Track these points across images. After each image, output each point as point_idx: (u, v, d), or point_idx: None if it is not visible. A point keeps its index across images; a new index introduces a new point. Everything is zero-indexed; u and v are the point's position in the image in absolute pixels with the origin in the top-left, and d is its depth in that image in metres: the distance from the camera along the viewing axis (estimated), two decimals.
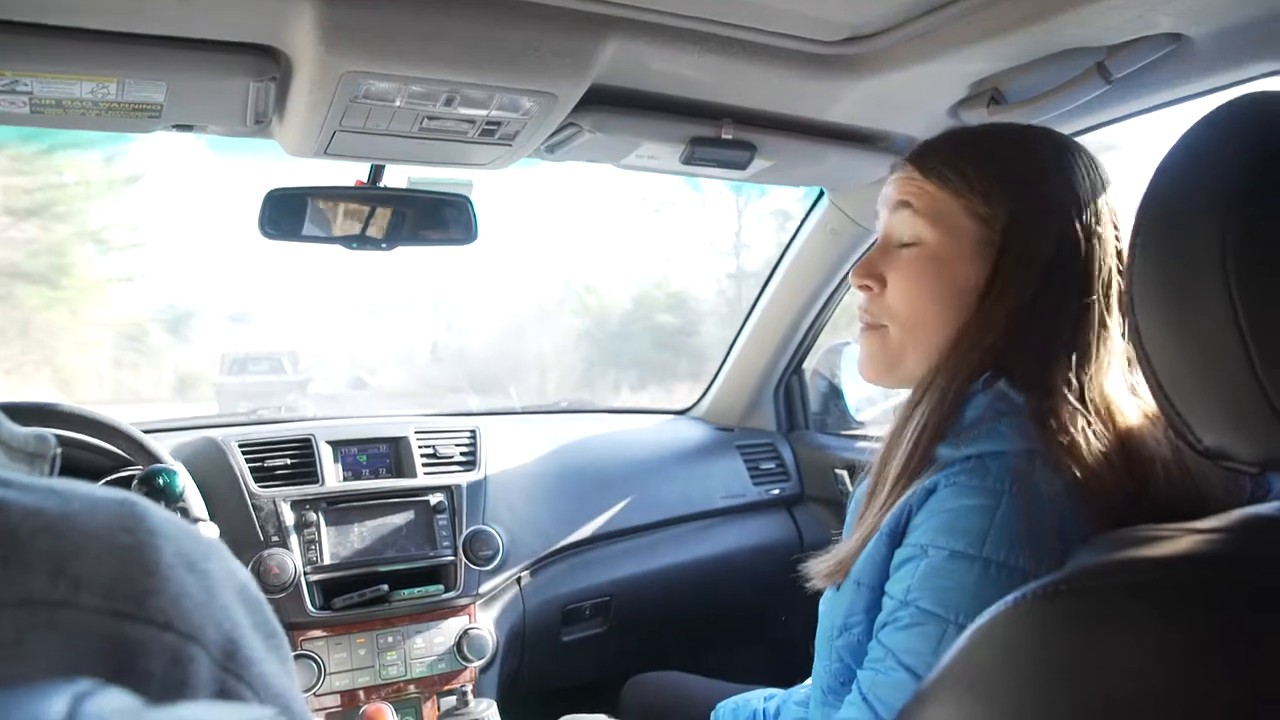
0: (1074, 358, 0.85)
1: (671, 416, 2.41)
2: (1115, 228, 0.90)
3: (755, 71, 1.20)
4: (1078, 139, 1.23)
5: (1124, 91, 1.16)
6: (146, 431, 1.54)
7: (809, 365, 2.26)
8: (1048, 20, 1.03)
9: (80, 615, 0.37)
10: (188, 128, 1.22)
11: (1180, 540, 0.60)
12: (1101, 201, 0.90)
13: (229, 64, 1.05)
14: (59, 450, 0.50)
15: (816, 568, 0.95)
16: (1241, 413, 0.57)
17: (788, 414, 2.30)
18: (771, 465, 2.19)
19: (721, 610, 2.05)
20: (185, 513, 1.45)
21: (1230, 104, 0.62)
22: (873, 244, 1.01)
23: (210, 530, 1.47)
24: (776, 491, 2.16)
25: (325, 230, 1.52)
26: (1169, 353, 0.61)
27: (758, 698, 1.25)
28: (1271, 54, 1.03)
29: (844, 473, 2.06)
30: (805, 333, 2.12)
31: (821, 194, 1.83)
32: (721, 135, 1.34)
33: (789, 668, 1.59)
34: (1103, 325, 0.87)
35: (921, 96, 1.29)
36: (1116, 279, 0.88)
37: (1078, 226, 0.88)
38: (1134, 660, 0.55)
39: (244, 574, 0.47)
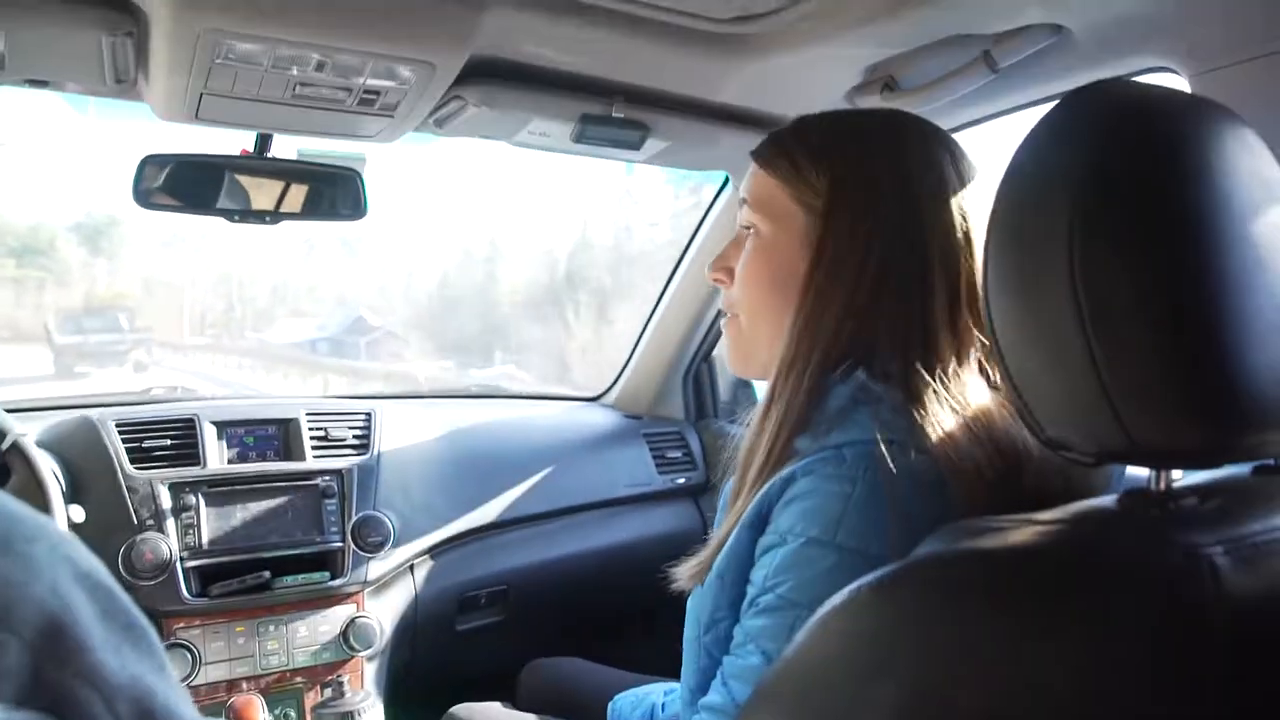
0: (926, 346, 0.85)
1: (580, 404, 2.38)
2: (965, 212, 0.88)
3: (645, 48, 1.18)
4: (968, 130, 1.24)
5: (1010, 82, 1.17)
6: (22, 410, 1.47)
7: (719, 353, 2.25)
8: (934, 3, 1.03)
9: None
10: (42, 84, 1.14)
11: (1017, 531, 0.59)
12: (947, 186, 0.88)
13: (77, 16, 0.99)
14: None
15: (682, 569, 0.94)
16: (1081, 404, 0.57)
17: (696, 403, 2.28)
18: (678, 454, 2.17)
19: (623, 600, 2.02)
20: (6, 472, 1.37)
21: (1078, 93, 0.62)
22: None
23: (76, 513, 1.40)
24: (682, 480, 2.14)
25: (207, 200, 1.45)
26: (1018, 342, 0.60)
27: (658, 691, 1.24)
28: (1148, 49, 1.05)
29: None
30: (713, 320, 2.10)
31: (727, 180, 1.82)
32: (613, 114, 1.32)
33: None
34: (953, 312, 0.86)
35: (816, 80, 1.28)
36: (970, 267, 0.87)
37: (916, 211, 0.87)
38: (965, 650, 0.55)
39: (89, 560, 0.45)
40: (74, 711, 0.40)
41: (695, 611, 0.90)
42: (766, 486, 0.83)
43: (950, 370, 0.84)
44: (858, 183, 0.88)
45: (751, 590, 0.81)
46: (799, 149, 0.91)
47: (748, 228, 0.95)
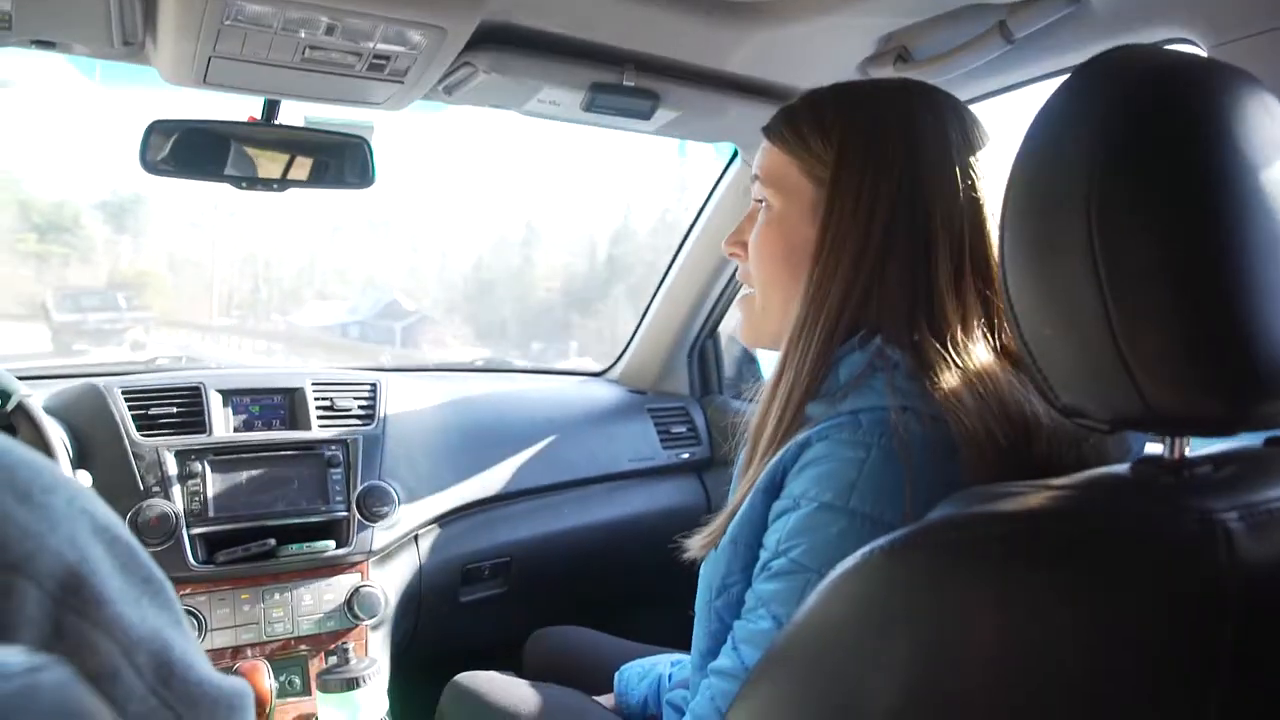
0: (933, 314, 0.85)
1: (586, 378, 2.38)
2: (973, 182, 0.88)
3: (657, 16, 1.17)
4: (983, 103, 1.24)
5: (1025, 53, 1.16)
6: (29, 379, 1.47)
7: (724, 329, 2.24)
8: None
9: None
10: (49, 45, 1.14)
11: (1030, 496, 0.59)
12: (955, 156, 0.88)
13: None
14: None
15: (694, 540, 0.95)
16: (1097, 371, 0.57)
17: (701, 378, 2.28)
18: (682, 429, 2.17)
19: (626, 573, 2.04)
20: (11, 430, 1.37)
21: (1098, 59, 0.61)
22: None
23: (83, 479, 1.40)
24: (686, 455, 2.14)
25: (213, 167, 1.45)
26: (1034, 308, 0.60)
27: (664, 661, 1.25)
28: (1166, 20, 1.04)
29: None
30: (719, 296, 2.10)
31: (736, 153, 1.81)
32: (623, 82, 1.31)
33: (690, 632, 1.59)
34: (958, 280, 0.86)
35: (828, 50, 1.27)
36: (976, 237, 0.87)
37: (921, 182, 0.87)
38: (977, 612, 0.55)
39: (107, 514, 0.45)
40: (94, 661, 0.40)
41: (708, 577, 0.91)
42: (781, 452, 0.83)
43: (958, 338, 0.84)
44: (863, 153, 0.88)
45: (764, 555, 0.82)
46: (807, 122, 0.92)
47: (760, 201, 0.96)
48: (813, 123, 0.91)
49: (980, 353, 0.84)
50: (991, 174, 0.88)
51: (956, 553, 0.57)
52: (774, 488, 0.84)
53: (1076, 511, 0.57)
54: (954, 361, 0.82)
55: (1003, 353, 0.85)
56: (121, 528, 0.46)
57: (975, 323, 0.86)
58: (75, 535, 0.41)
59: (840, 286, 0.87)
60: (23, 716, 0.32)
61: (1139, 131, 0.55)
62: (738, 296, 1.03)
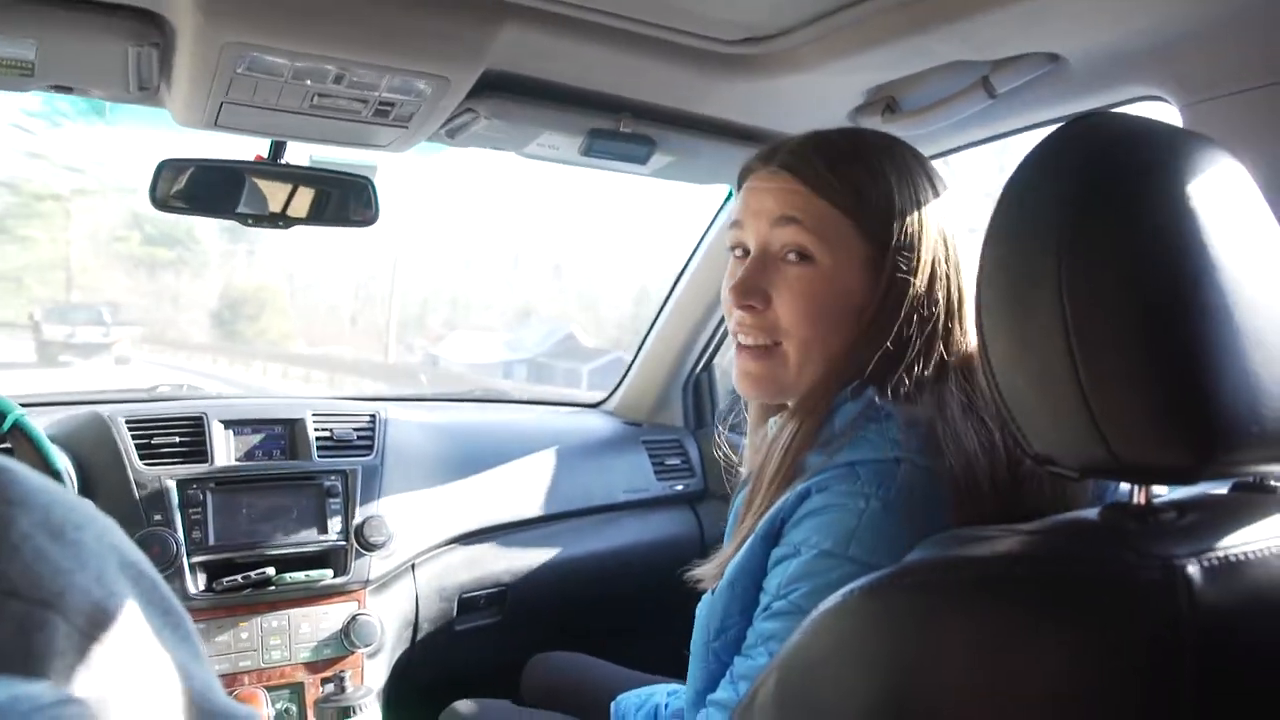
0: (930, 364, 0.89)
1: (581, 409, 2.41)
2: (950, 237, 0.94)
3: (654, 67, 1.21)
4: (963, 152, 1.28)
5: (1008, 107, 1.20)
6: (32, 405, 1.49)
7: (718, 363, 2.28)
8: (936, 30, 1.06)
9: None
10: (67, 90, 1.18)
11: (1001, 540, 0.62)
12: (952, 212, 0.94)
13: (106, 26, 1.02)
14: None
15: (705, 569, 0.97)
16: (1067, 421, 0.59)
17: (695, 411, 2.31)
18: (677, 461, 2.20)
19: (620, 602, 2.05)
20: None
21: (1070, 125, 0.64)
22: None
23: None
24: (680, 487, 2.17)
25: (222, 204, 1.48)
26: (1007, 360, 0.63)
27: (661, 691, 1.26)
28: (1141, 79, 1.08)
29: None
30: (714, 330, 2.13)
31: (731, 194, 1.85)
32: (620, 129, 1.35)
33: (686, 662, 1.61)
34: (949, 331, 0.91)
35: (820, 100, 1.31)
36: (957, 289, 0.92)
37: (944, 239, 0.92)
38: (950, 650, 0.58)
39: (132, 549, 0.47)
40: None
41: (705, 618, 0.93)
42: (780, 501, 0.86)
43: (953, 386, 0.87)
44: (916, 215, 0.92)
45: (765, 597, 0.85)
46: (861, 176, 0.91)
47: (795, 253, 0.92)
48: (868, 176, 0.91)
49: (973, 399, 0.87)
50: (961, 228, 0.94)
51: (932, 593, 0.60)
52: (773, 535, 0.86)
53: (1045, 556, 0.60)
54: (950, 409, 0.85)
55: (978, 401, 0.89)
56: (146, 562, 0.48)
57: (967, 371, 0.89)
58: (104, 572, 0.43)
59: (887, 344, 0.89)
60: None
61: (1106, 195, 0.59)
62: (740, 346, 0.97)
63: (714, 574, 0.94)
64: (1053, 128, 0.65)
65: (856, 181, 0.91)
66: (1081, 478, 0.64)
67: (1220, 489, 0.70)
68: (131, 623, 0.44)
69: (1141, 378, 0.57)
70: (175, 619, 0.48)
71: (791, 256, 0.92)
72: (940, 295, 0.91)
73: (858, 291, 0.91)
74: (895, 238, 0.90)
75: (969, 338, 0.91)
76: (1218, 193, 0.59)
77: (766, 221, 0.94)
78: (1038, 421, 0.63)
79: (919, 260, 0.90)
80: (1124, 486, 0.64)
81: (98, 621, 0.42)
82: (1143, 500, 0.62)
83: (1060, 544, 0.61)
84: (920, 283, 0.90)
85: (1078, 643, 0.54)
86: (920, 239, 0.91)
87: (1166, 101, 1.07)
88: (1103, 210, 0.58)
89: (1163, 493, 0.63)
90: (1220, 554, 0.55)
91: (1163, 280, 0.57)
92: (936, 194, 0.94)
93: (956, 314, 0.92)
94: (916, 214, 0.91)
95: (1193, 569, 0.54)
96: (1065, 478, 0.64)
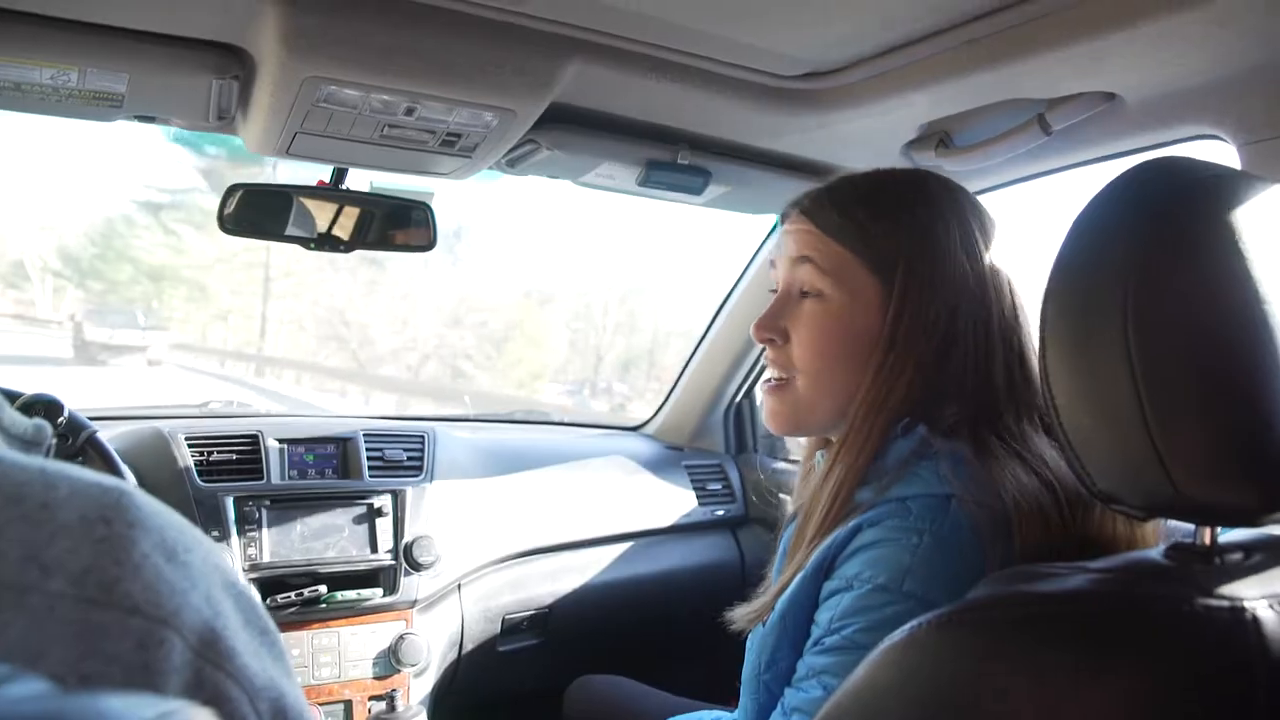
0: (989, 402, 0.89)
1: (624, 432, 2.43)
2: (1005, 273, 0.94)
3: (713, 100, 1.24)
4: (1014, 186, 1.29)
5: (1062, 144, 1.21)
6: (94, 419, 1.53)
7: (760, 390, 2.29)
8: (995, 70, 1.07)
9: (47, 600, 0.38)
10: (149, 119, 1.23)
11: (1067, 578, 0.63)
12: (991, 242, 0.94)
13: (193, 60, 1.06)
14: (54, 440, 0.52)
15: (741, 612, 0.98)
16: (1132, 461, 0.60)
17: (737, 437, 2.32)
18: (718, 486, 2.21)
19: (662, 626, 2.06)
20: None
21: (1139, 167, 0.65)
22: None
23: None
24: (721, 513, 2.17)
25: (284, 227, 1.53)
26: (1073, 399, 0.64)
27: (709, 717, 1.26)
28: (1197, 118, 1.08)
29: (788, 497, 2.09)
30: (757, 357, 2.14)
31: (779, 223, 1.86)
32: (678, 160, 1.38)
33: (727, 687, 1.61)
34: (1009, 368, 0.91)
35: (875, 134, 1.33)
36: (1018, 323, 0.92)
37: (973, 270, 0.92)
38: (1014, 686, 0.58)
39: (232, 570, 0.49)
40: (227, 709, 0.44)
41: (756, 650, 0.94)
42: (831, 538, 0.87)
43: (1012, 423, 0.88)
44: (929, 247, 0.92)
45: (817, 631, 0.85)
46: (868, 217, 0.94)
47: (810, 292, 0.96)
48: (872, 217, 0.94)
49: (1034, 436, 0.88)
50: (1017, 265, 0.94)
51: (998, 630, 0.61)
52: (824, 569, 0.87)
53: (1111, 594, 0.60)
54: (1009, 445, 0.86)
55: (1051, 435, 0.89)
56: (244, 583, 0.50)
57: (1027, 408, 0.90)
58: (211, 592, 0.45)
59: (906, 380, 0.90)
60: None
61: (1174, 237, 0.60)
62: (763, 382, 1.00)
63: (754, 614, 0.95)
64: (1107, 164, 0.67)
65: (862, 220, 0.94)
66: (1146, 518, 0.65)
67: None
68: (237, 640, 0.46)
69: (1209, 417, 0.57)
70: (270, 638, 0.50)
71: (807, 294, 0.96)
72: (969, 329, 0.90)
73: (872, 326, 0.93)
74: (904, 272, 0.91)
75: (1021, 373, 0.91)
76: None
77: (789, 262, 0.99)
78: (1102, 459, 0.63)
79: (932, 293, 0.90)
80: (1186, 525, 0.64)
81: (208, 640, 0.44)
82: (1207, 540, 0.62)
83: (1126, 582, 0.62)
84: (935, 316, 0.90)
85: (1145, 683, 0.54)
86: (935, 273, 0.91)
87: (1223, 140, 1.08)
88: (1172, 248, 0.59)
89: (1223, 533, 0.63)
90: None
91: (1229, 322, 0.58)
92: (970, 229, 0.93)
93: (999, 349, 0.91)
94: (930, 248, 0.92)
95: (1261, 610, 0.54)
96: (1130, 516, 0.65)
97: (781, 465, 2.22)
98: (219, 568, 0.48)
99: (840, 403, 0.95)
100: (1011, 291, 0.93)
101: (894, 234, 0.93)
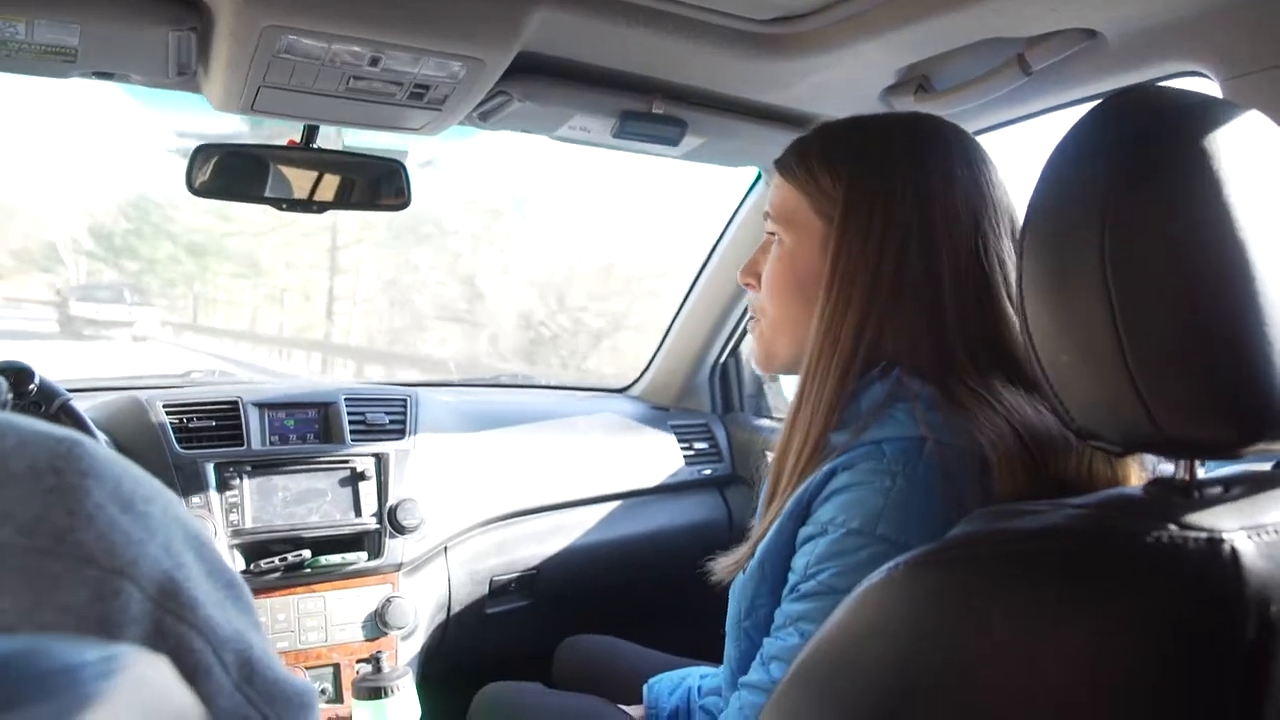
0: (949, 345, 0.88)
1: (609, 394, 2.42)
2: (990, 209, 0.91)
3: (686, 47, 1.21)
4: (998, 132, 1.27)
5: (1042, 85, 1.19)
6: (73, 390, 1.52)
7: (745, 348, 2.28)
8: (969, 7, 1.05)
9: None
10: (108, 75, 1.19)
11: (1047, 514, 0.62)
12: (963, 192, 0.91)
13: (146, 10, 1.03)
14: (10, 397, 0.51)
15: (720, 563, 0.98)
16: (1111, 396, 0.59)
17: (723, 396, 2.31)
18: (705, 446, 2.20)
19: (650, 587, 2.07)
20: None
21: (1113, 98, 0.64)
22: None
23: None
24: (708, 472, 2.17)
25: (255, 189, 1.50)
26: (1051, 336, 0.63)
27: (694, 674, 1.27)
28: (1179, 54, 1.06)
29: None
30: (741, 315, 2.13)
31: (760, 175, 1.85)
32: (652, 110, 1.35)
33: (716, 645, 1.61)
34: (963, 311, 0.89)
35: (852, 80, 1.30)
36: (983, 270, 0.90)
37: (929, 218, 0.89)
38: (996, 625, 0.58)
39: (194, 522, 0.48)
40: (189, 659, 0.44)
41: (737, 598, 0.94)
42: (807, 481, 0.86)
43: (974, 367, 0.87)
44: (872, 191, 0.91)
45: (793, 577, 0.85)
46: (818, 159, 0.95)
47: (772, 234, 1.00)
48: (823, 160, 0.95)
49: (997, 380, 0.87)
50: (1000, 207, 0.92)
51: (977, 568, 0.60)
52: (800, 514, 0.87)
53: (1090, 529, 0.59)
54: (975, 390, 0.85)
55: (1017, 380, 0.88)
56: (207, 535, 0.49)
57: (989, 352, 0.88)
58: (170, 543, 0.45)
59: (852, 321, 0.89)
60: (125, 704, 0.34)
61: (1150, 167, 0.58)
62: (747, 322, 1.06)
63: (730, 566, 0.96)
64: (1090, 105, 0.65)
65: (813, 165, 0.95)
66: (1125, 453, 0.64)
67: (1264, 466, 0.70)
68: (198, 591, 0.45)
69: (1187, 351, 0.56)
70: (236, 590, 0.49)
71: (774, 240, 1.00)
72: (918, 274, 0.89)
73: (817, 267, 0.94)
74: (845, 214, 0.91)
75: (981, 320, 0.90)
76: (1264, 166, 0.59)
77: (763, 213, 1.02)
78: (1080, 395, 0.62)
79: (873, 237, 0.89)
80: (1167, 467, 0.63)
81: (168, 590, 0.43)
82: (1187, 475, 0.61)
83: (1105, 518, 0.61)
84: (876, 259, 0.89)
85: (1123, 616, 0.54)
86: (875, 216, 0.90)
87: (1206, 76, 1.06)
88: (1147, 182, 0.58)
89: (1203, 470, 0.62)
90: (1269, 528, 0.55)
91: (1208, 253, 0.56)
92: (929, 173, 0.91)
93: (950, 295, 0.89)
94: (873, 192, 0.90)
95: (1240, 542, 0.54)
96: (1108, 452, 0.64)
97: (767, 424, 2.22)
98: (180, 520, 0.47)
99: (797, 340, 0.96)
100: (978, 235, 0.90)
101: (839, 178, 0.93)
